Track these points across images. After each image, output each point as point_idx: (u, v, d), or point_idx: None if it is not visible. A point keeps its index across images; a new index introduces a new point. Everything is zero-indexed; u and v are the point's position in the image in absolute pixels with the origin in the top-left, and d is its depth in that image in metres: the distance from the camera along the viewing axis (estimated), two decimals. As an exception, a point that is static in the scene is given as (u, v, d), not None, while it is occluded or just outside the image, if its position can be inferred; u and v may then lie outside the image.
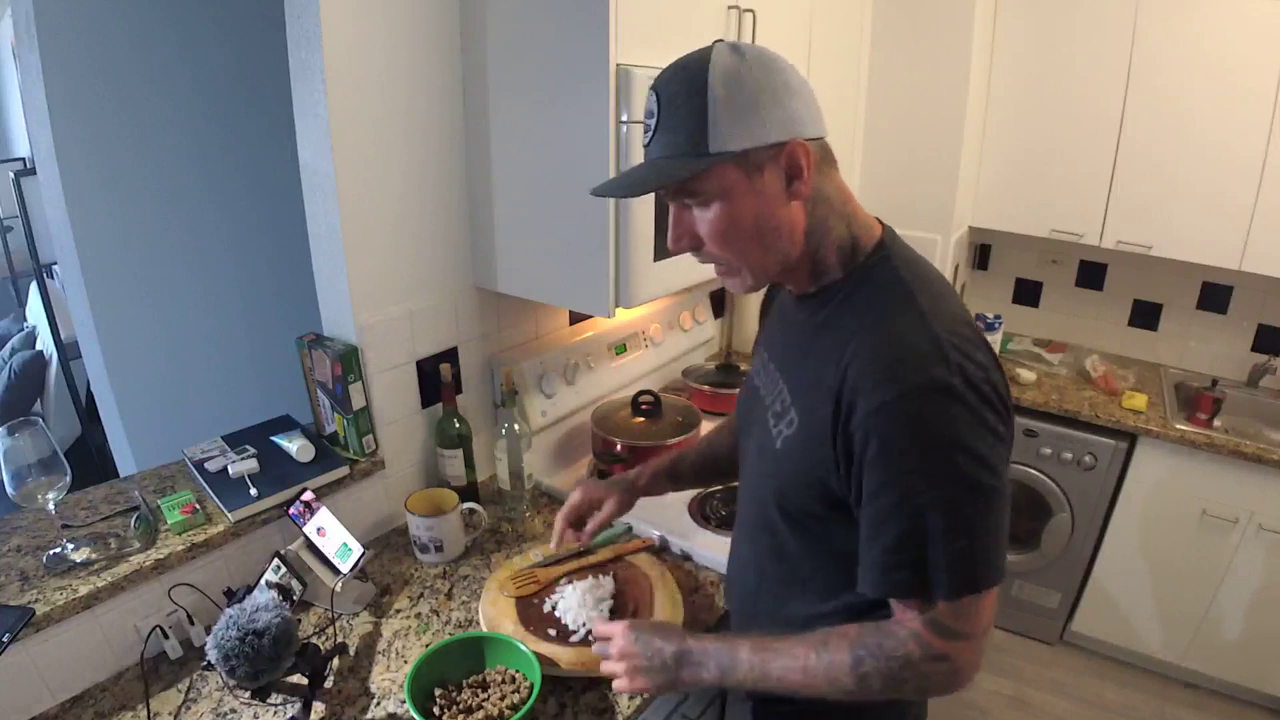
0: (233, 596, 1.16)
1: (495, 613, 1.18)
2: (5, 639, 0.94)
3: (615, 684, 0.91)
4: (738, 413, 1.04)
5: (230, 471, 1.26)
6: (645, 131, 0.78)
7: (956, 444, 0.68)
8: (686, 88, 0.73)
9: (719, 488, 1.52)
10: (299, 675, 1.00)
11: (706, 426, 1.71)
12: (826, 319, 0.81)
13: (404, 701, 0.99)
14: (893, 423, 0.69)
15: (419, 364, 1.46)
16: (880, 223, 0.84)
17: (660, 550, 1.39)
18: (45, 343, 3.36)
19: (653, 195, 1.24)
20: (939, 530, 0.70)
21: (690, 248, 0.80)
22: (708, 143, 0.72)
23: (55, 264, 2.90)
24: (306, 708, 1.00)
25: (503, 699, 1.00)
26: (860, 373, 0.72)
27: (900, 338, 0.72)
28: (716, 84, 0.72)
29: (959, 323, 0.74)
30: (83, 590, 1.03)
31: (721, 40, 0.76)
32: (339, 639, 1.17)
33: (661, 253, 1.33)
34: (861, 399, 0.71)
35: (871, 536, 0.74)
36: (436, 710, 0.98)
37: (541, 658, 1.05)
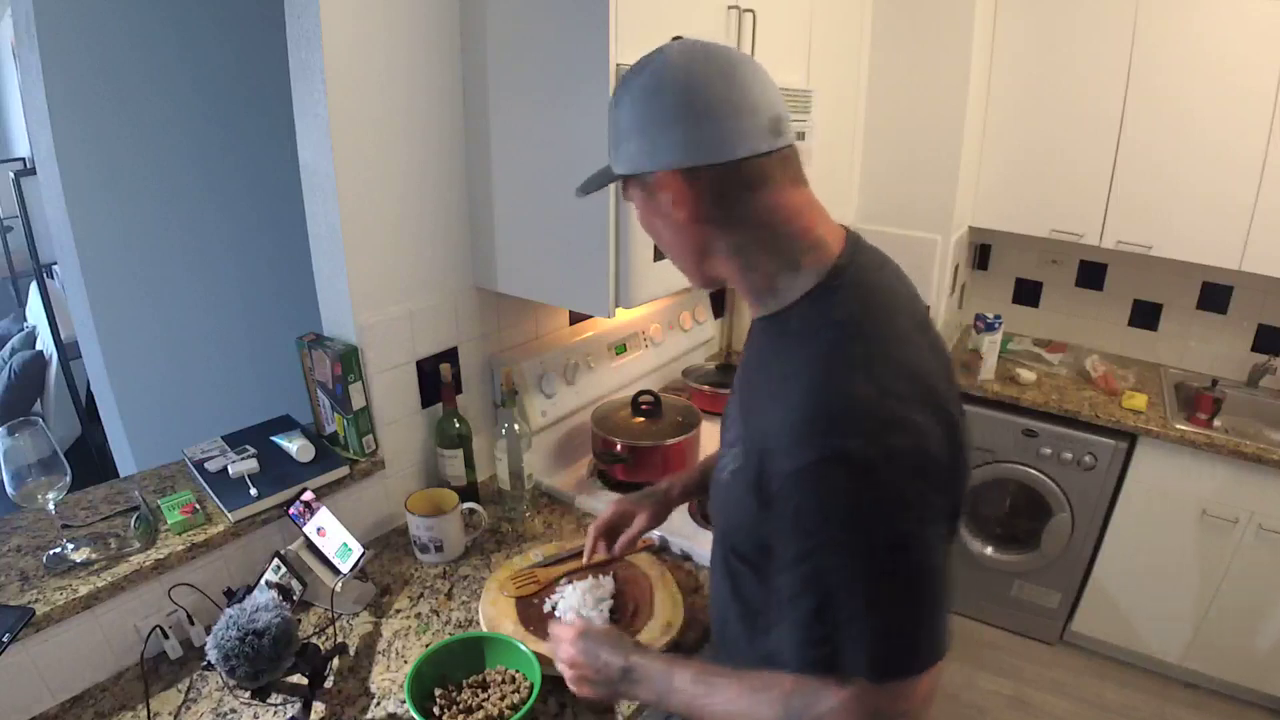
0: (233, 596, 1.16)
1: (495, 613, 1.18)
2: (5, 639, 0.94)
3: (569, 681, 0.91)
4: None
5: (230, 471, 1.26)
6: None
7: (876, 520, 0.63)
8: (613, 100, 0.76)
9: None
10: (299, 675, 1.00)
11: (706, 426, 1.71)
12: (773, 350, 0.76)
13: (404, 701, 0.99)
14: (810, 490, 0.64)
15: (419, 364, 1.46)
16: (848, 239, 0.76)
17: (660, 550, 1.39)
18: (45, 343, 3.36)
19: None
20: (858, 610, 0.64)
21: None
22: (611, 159, 0.78)
23: (55, 264, 2.90)
24: (306, 708, 1.00)
25: (503, 699, 1.00)
26: (781, 426, 0.67)
27: (826, 395, 0.65)
28: (615, 106, 0.75)
29: (898, 378, 0.66)
30: (83, 590, 1.03)
31: (677, 38, 0.77)
32: (339, 639, 1.17)
33: (661, 253, 1.33)
34: (780, 456, 0.66)
35: (788, 606, 0.68)
36: (436, 710, 0.98)
37: (541, 658, 1.05)
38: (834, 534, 0.64)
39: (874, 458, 0.62)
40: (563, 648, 0.90)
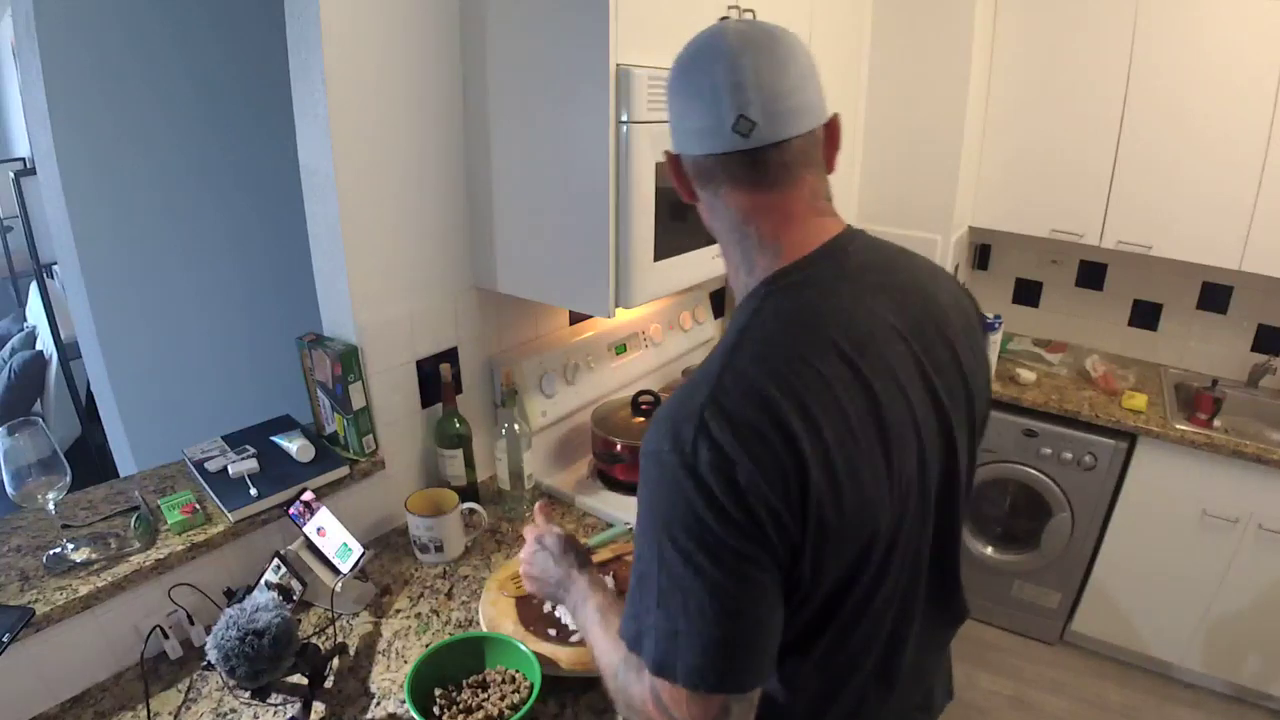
0: (233, 596, 1.16)
1: (495, 613, 1.18)
2: (5, 639, 0.94)
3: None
4: None
5: (230, 471, 1.26)
6: None
7: (669, 523, 0.64)
8: None
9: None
10: (299, 675, 1.00)
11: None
12: None
13: (404, 701, 0.99)
14: (640, 479, 0.68)
15: (419, 364, 1.46)
16: (821, 249, 0.73)
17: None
18: (45, 343, 3.36)
19: (651, 194, 1.27)
20: (650, 604, 0.66)
21: None
22: None
23: (55, 264, 2.90)
24: (306, 708, 1.00)
25: (503, 699, 1.00)
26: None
27: (677, 398, 0.68)
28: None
29: (743, 401, 0.64)
30: (83, 590, 1.03)
31: (726, 18, 0.77)
32: (339, 639, 1.17)
33: (661, 253, 1.33)
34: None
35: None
36: (436, 710, 0.98)
37: (541, 658, 1.05)
38: (646, 520, 0.67)
39: (678, 462, 0.63)
40: (525, 548, 1.02)
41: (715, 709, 0.65)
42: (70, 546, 1.10)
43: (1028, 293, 2.76)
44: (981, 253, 2.81)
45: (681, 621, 0.64)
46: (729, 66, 0.68)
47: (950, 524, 0.81)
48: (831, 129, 0.74)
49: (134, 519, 1.17)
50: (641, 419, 1.66)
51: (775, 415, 0.63)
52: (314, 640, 1.12)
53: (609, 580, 1.24)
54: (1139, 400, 2.20)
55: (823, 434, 0.63)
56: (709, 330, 2.25)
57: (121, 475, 1.84)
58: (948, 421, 0.76)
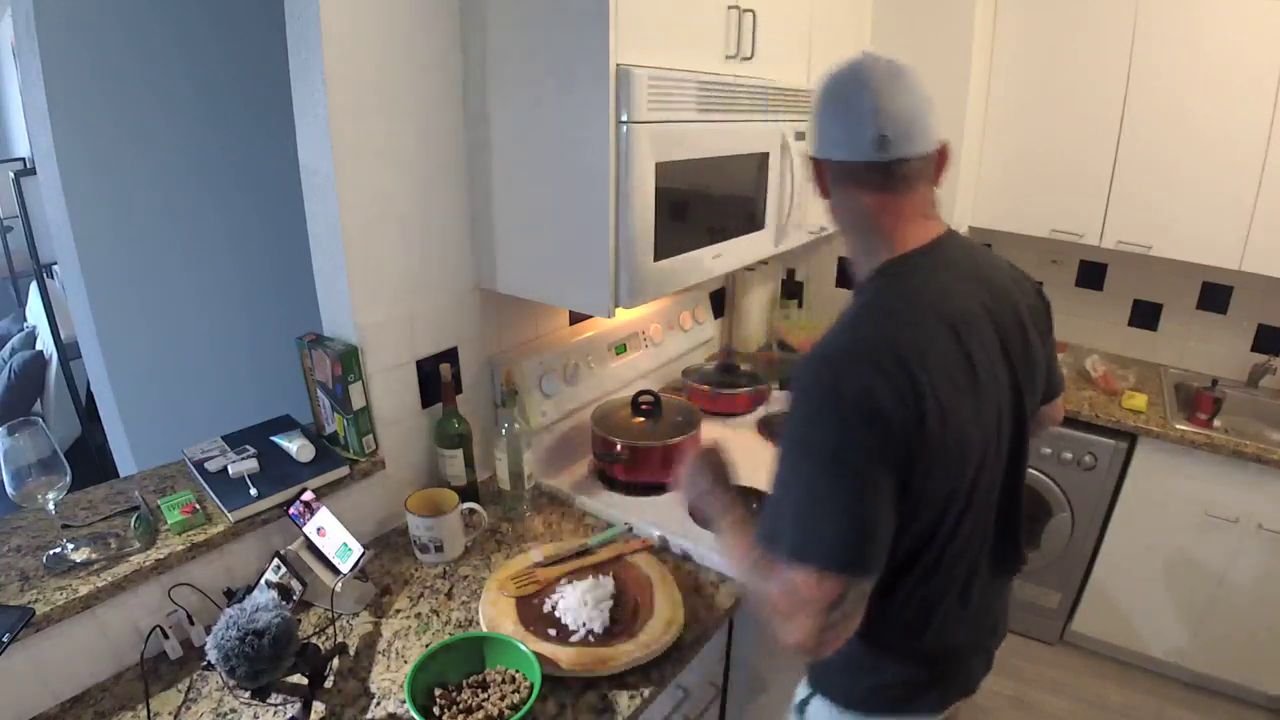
0: (233, 596, 1.16)
1: (495, 613, 1.18)
2: (5, 639, 0.94)
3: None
4: None
5: (230, 471, 1.26)
6: None
7: (820, 436, 0.81)
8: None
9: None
10: (299, 675, 1.00)
11: (707, 426, 1.71)
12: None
13: (404, 701, 0.99)
14: (790, 404, 0.85)
15: (419, 364, 1.46)
16: (927, 245, 0.91)
17: (660, 550, 1.39)
18: (45, 343, 3.36)
19: (651, 194, 1.27)
20: (788, 503, 0.83)
21: None
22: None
23: (55, 264, 2.90)
24: (306, 708, 1.00)
25: (503, 699, 1.00)
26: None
27: (823, 341, 0.86)
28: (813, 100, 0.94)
29: (875, 346, 0.83)
30: (83, 590, 1.03)
31: (867, 52, 0.91)
32: (339, 639, 1.17)
33: (661, 253, 1.33)
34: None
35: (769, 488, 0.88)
36: (436, 710, 0.98)
37: (541, 658, 1.05)
38: (794, 438, 0.84)
39: (828, 390, 0.81)
40: (685, 459, 1.13)
41: (839, 589, 0.79)
42: (70, 546, 1.10)
43: (1028, 293, 2.75)
44: (981, 253, 2.80)
45: (819, 517, 0.81)
46: (874, 93, 0.86)
47: (1017, 483, 1.01)
48: (942, 152, 0.93)
49: (134, 519, 1.17)
50: (641, 419, 1.66)
51: (899, 356, 0.81)
52: (314, 640, 1.12)
53: (609, 580, 1.25)
54: (1139, 400, 2.20)
55: (932, 373, 0.82)
56: (709, 330, 2.25)
57: (121, 475, 1.84)
58: (1020, 394, 0.96)
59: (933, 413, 0.81)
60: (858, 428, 0.79)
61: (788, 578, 0.81)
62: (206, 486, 1.25)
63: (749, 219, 1.61)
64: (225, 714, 1.02)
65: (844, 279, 2.70)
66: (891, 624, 0.95)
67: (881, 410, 0.79)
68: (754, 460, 1.22)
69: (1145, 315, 2.58)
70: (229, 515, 1.19)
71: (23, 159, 3.58)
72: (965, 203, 2.39)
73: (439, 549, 1.35)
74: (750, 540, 0.91)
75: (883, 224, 0.91)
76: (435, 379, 1.47)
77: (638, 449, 1.56)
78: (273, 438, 1.36)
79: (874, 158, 0.87)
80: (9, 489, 1.04)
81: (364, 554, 1.22)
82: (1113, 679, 2.39)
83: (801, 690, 1.13)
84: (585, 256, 1.30)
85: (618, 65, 1.17)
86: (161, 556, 1.11)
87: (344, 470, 1.34)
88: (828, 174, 0.94)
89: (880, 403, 0.79)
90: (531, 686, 1.00)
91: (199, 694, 1.06)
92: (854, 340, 0.85)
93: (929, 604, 0.95)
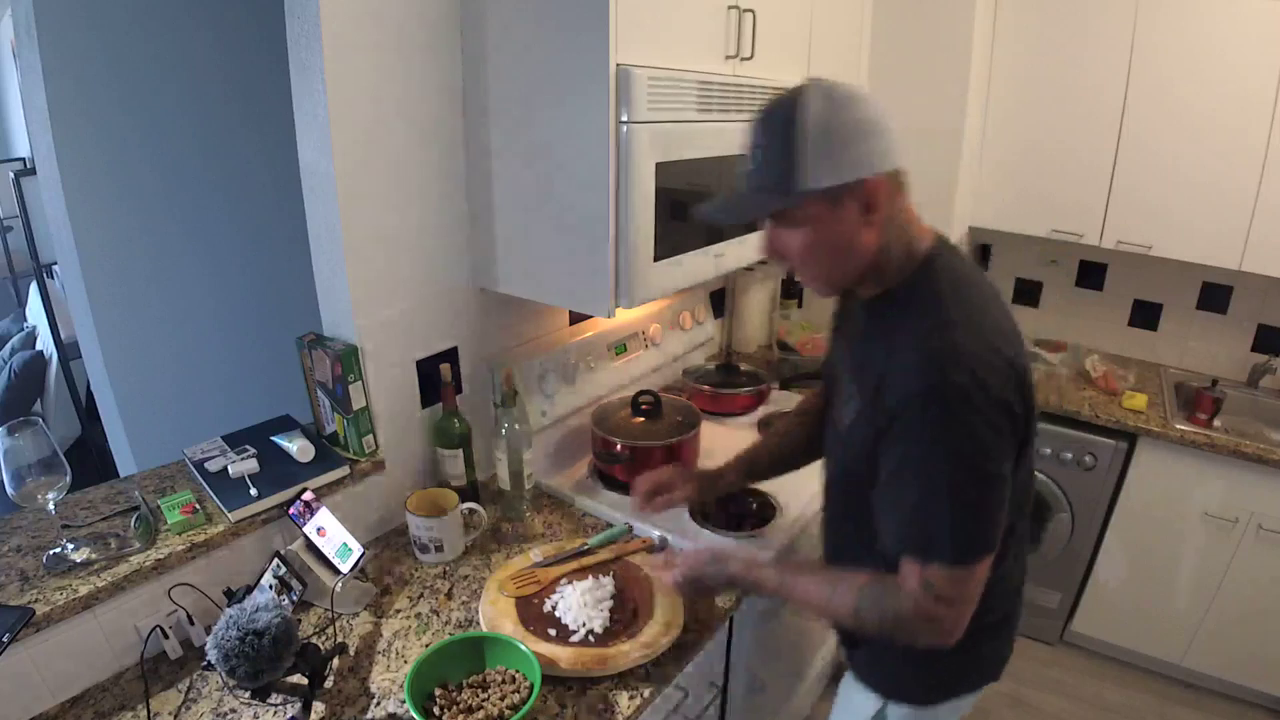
0: (233, 596, 1.16)
1: (495, 613, 1.18)
2: (5, 639, 0.94)
3: (665, 577, 1.17)
4: (824, 393, 1.21)
5: (230, 471, 1.26)
6: (746, 161, 0.90)
7: (967, 436, 0.83)
8: (781, 129, 0.85)
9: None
10: (299, 675, 1.00)
11: (706, 426, 1.71)
12: (882, 317, 0.95)
13: (404, 701, 0.99)
14: (922, 411, 0.84)
15: (419, 364, 1.46)
16: (937, 236, 0.97)
17: (660, 550, 1.39)
18: (45, 343, 3.36)
19: (652, 194, 1.26)
20: (946, 505, 0.84)
21: (779, 260, 0.95)
22: (796, 181, 0.85)
23: (55, 264, 2.90)
24: (306, 708, 1.00)
25: (503, 699, 1.00)
26: (896, 365, 0.87)
27: (932, 342, 0.85)
28: (806, 127, 0.83)
29: (989, 332, 0.87)
30: (83, 590, 1.03)
31: (816, 80, 0.86)
32: (339, 639, 1.17)
33: (661, 253, 1.33)
34: (896, 389, 0.86)
35: (894, 501, 0.90)
36: (436, 710, 0.98)
37: (541, 658, 1.05)
38: (937, 444, 0.84)
39: (970, 388, 0.82)
40: (684, 557, 1.15)
41: (985, 571, 0.87)
42: (70, 546, 1.10)
43: (1028, 292, 2.76)
44: (982, 252, 2.80)
45: (978, 518, 0.85)
46: (871, 103, 0.86)
47: (1031, 467, 1.03)
48: None
49: (134, 519, 1.17)
50: (641, 419, 1.66)
51: (1006, 342, 0.87)
52: (314, 640, 1.12)
53: (609, 580, 1.25)
54: (1139, 400, 2.20)
55: (1022, 356, 0.88)
56: (709, 330, 2.25)
57: (121, 475, 1.84)
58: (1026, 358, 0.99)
59: (1030, 392, 0.89)
60: (1002, 425, 0.84)
61: (930, 585, 0.85)
62: (206, 486, 1.25)
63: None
64: (225, 714, 1.02)
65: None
66: (1003, 575, 0.99)
67: (1011, 405, 0.84)
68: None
69: (1145, 315, 2.58)
70: (229, 515, 1.19)
71: (23, 159, 3.58)
72: (965, 203, 2.39)
73: (439, 549, 1.35)
74: (830, 576, 0.98)
75: (910, 221, 0.94)
76: (435, 379, 1.47)
77: (638, 449, 1.56)
78: (273, 438, 1.36)
79: (898, 164, 0.90)
80: (9, 489, 1.04)
81: (364, 554, 1.22)
82: (1112, 679, 2.39)
83: (868, 704, 1.13)
84: (585, 256, 1.30)
85: (617, 65, 1.17)
86: (161, 556, 1.11)
87: (344, 470, 1.34)
88: (882, 188, 0.87)
89: (1010, 396, 0.84)
90: (531, 686, 1.00)
91: (199, 694, 1.06)
92: (970, 332, 0.86)
93: (1001, 579, 0.98)
